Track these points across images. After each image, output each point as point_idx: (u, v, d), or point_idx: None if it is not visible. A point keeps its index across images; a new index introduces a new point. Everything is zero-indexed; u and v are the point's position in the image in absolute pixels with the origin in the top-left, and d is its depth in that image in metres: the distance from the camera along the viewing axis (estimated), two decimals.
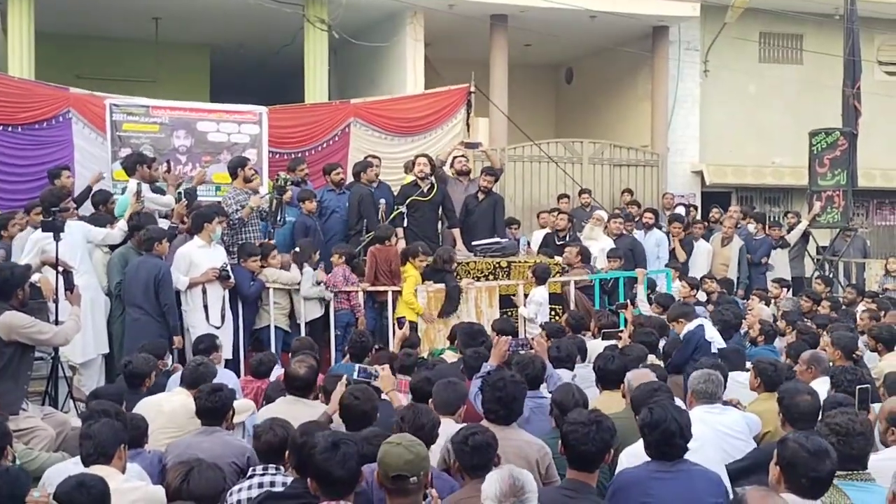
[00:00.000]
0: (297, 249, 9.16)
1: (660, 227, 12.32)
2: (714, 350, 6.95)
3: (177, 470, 3.95)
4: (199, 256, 8.37)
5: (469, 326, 7.61)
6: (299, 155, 11.19)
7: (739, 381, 6.36)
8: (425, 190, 10.18)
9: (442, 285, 9.34)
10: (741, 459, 4.92)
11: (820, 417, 4.23)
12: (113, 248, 8.59)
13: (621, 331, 7.94)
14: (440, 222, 10.73)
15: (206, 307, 8.30)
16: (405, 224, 10.12)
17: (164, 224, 9.00)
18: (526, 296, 9.66)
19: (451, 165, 11.15)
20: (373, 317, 9.34)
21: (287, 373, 5.44)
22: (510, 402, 4.65)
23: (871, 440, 4.15)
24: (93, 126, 10.48)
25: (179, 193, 9.57)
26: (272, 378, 6.96)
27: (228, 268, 8.42)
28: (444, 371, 6.44)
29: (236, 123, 10.69)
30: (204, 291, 8.32)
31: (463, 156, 11.33)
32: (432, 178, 10.33)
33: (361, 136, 11.82)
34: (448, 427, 4.54)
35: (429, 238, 10.12)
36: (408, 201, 10.12)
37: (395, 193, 10.47)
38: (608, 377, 5.91)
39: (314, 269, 9.03)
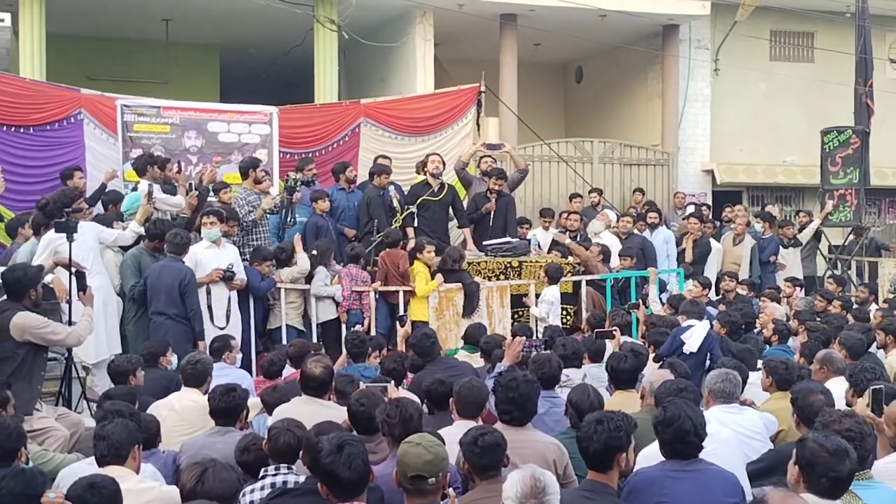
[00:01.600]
0: (315, 252, 9.17)
1: (666, 226, 12.28)
2: (687, 352, 6.98)
3: (191, 470, 3.95)
4: (206, 257, 8.36)
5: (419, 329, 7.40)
6: (309, 155, 11.21)
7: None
8: (436, 189, 10.18)
9: (456, 284, 9.33)
10: (758, 460, 4.90)
11: (821, 419, 4.18)
12: (124, 248, 8.62)
13: (614, 330, 7.92)
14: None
15: (210, 308, 8.28)
16: (416, 223, 10.13)
17: None
18: (538, 296, 9.65)
19: (478, 166, 11.16)
20: (384, 319, 9.32)
21: (303, 373, 5.42)
22: (524, 402, 4.62)
23: (875, 439, 4.16)
24: (104, 127, 10.52)
25: (189, 184, 9.63)
26: (282, 378, 6.99)
27: (234, 268, 8.40)
28: (426, 377, 6.42)
29: (247, 124, 10.72)
30: (208, 292, 8.30)
31: (489, 156, 11.34)
32: (443, 178, 10.35)
33: (372, 136, 11.83)
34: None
35: (439, 237, 10.13)
36: (418, 201, 10.12)
37: (406, 193, 10.49)
38: (621, 377, 5.88)
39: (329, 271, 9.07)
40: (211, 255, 8.39)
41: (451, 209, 10.52)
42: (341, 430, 4.31)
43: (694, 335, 7.17)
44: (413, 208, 10.11)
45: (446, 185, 10.38)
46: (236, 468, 4.01)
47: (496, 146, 11.72)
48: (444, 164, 10.50)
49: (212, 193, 9.54)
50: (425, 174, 10.40)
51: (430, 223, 10.23)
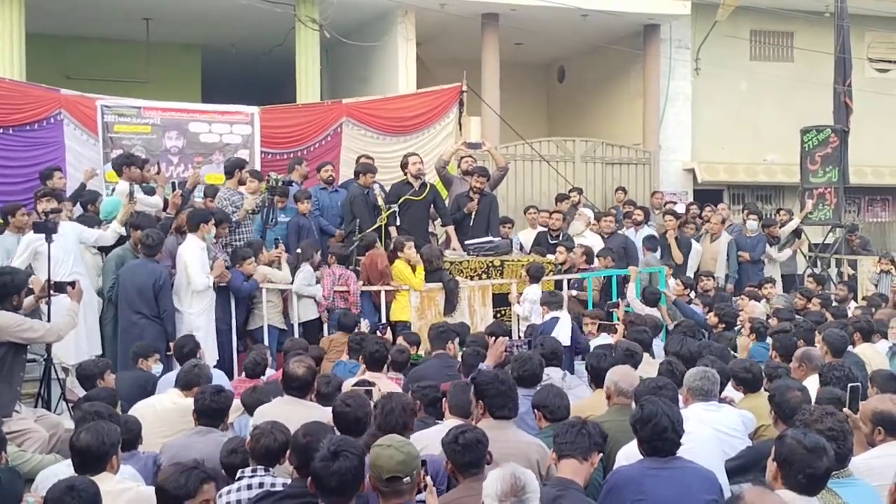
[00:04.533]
0: (299, 250, 9.17)
1: (649, 225, 12.31)
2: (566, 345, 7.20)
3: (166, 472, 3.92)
4: (205, 258, 8.33)
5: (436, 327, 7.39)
6: (292, 155, 11.20)
7: None
8: (417, 188, 10.18)
9: (437, 284, 9.34)
10: (736, 457, 4.92)
11: (802, 417, 4.21)
12: (103, 249, 8.57)
13: (616, 324, 7.93)
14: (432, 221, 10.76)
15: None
16: (398, 223, 10.12)
17: None
18: (520, 294, 9.67)
19: (458, 165, 11.17)
20: (368, 317, 9.29)
21: (285, 372, 5.40)
22: (515, 394, 4.64)
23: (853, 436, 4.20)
24: (84, 127, 10.46)
25: (172, 184, 9.55)
26: (264, 378, 6.96)
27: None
28: (424, 370, 6.47)
29: (228, 124, 10.70)
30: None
31: (470, 156, 11.35)
32: (424, 178, 10.35)
33: (354, 136, 11.82)
34: None
35: (421, 237, 10.12)
36: (400, 200, 10.11)
37: (387, 192, 10.49)
38: (601, 375, 5.87)
39: (315, 269, 9.07)
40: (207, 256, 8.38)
41: (432, 208, 10.52)
42: (329, 431, 4.30)
43: (562, 329, 7.28)
44: (395, 207, 10.10)
45: (428, 185, 10.38)
46: (215, 469, 3.99)
47: (476, 145, 11.74)
48: (422, 163, 10.47)
49: (200, 195, 9.53)
50: (410, 173, 10.37)
51: (411, 223, 10.22)
